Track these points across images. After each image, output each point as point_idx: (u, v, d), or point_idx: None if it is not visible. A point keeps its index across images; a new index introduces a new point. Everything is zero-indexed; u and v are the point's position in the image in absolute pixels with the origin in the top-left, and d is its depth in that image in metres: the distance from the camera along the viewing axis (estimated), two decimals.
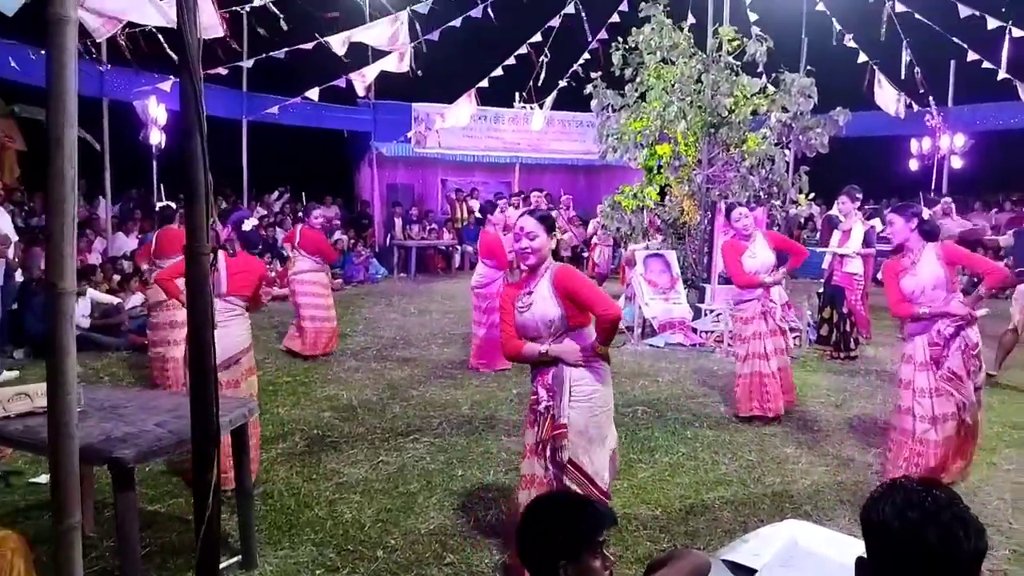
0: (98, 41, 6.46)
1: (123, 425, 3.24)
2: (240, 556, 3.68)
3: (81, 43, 7.54)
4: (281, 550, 3.82)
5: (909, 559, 1.32)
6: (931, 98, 11.83)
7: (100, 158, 10.99)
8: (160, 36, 7.12)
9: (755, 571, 2.13)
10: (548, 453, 3.30)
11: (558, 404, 3.26)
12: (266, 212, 14.32)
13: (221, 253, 4.65)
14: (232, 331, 4.52)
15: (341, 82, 10.05)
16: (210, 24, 5.37)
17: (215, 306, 4.41)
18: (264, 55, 9.08)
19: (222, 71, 9.46)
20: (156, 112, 11.07)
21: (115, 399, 3.70)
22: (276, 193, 15.23)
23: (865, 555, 1.40)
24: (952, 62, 13.29)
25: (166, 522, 4.12)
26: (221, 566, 3.59)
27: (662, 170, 9.17)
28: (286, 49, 8.66)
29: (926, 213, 4.58)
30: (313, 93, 10.35)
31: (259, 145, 13.57)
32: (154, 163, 11.92)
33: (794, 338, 8.59)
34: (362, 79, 9.84)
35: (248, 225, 4.77)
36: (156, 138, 11.30)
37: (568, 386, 3.26)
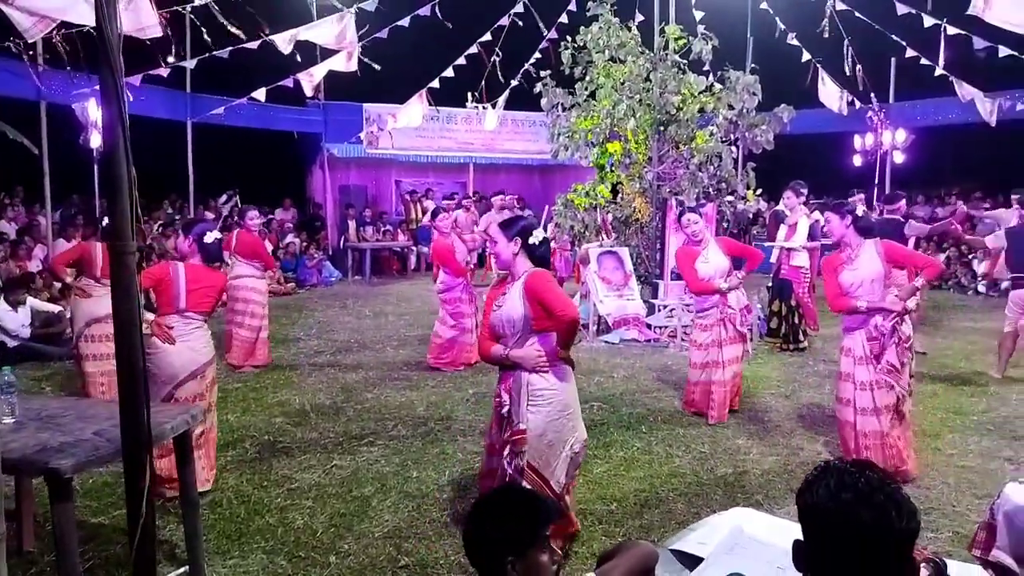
0: (31, 42, 6.22)
1: (60, 435, 3.12)
2: (187, 567, 3.58)
3: (14, 44, 7.26)
4: (230, 559, 3.73)
5: (843, 540, 1.33)
6: (873, 95, 12.11)
7: (39, 163, 10.62)
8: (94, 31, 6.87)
9: (702, 559, 2.15)
10: (507, 455, 3.36)
11: (516, 409, 3.39)
12: (213, 216, 14.02)
13: (181, 265, 4.52)
14: (195, 344, 4.42)
15: (288, 82, 9.85)
16: (149, 24, 5.21)
17: (174, 320, 4.36)
18: (207, 55, 8.85)
19: (163, 72, 9.20)
20: (96, 115, 10.73)
21: (52, 409, 3.56)
22: (224, 196, 14.91)
23: (802, 538, 1.42)
24: (892, 59, 13.67)
25: (110, 534, 4.00)
26: None
27: (614, 168, 9.23)
28: (230, 48, 8.45)
29: (860, 210, 4.72)
30: (260, 94, 10.12)
31: (205, 147, 13.27)
32: (95, 167, 11.57)
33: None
34: (310, 79, 9.66)
35: (210, 238, 4.59)
36: (96, 141, 10.94)
37: (526, 391, 3.39)
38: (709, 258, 5.87)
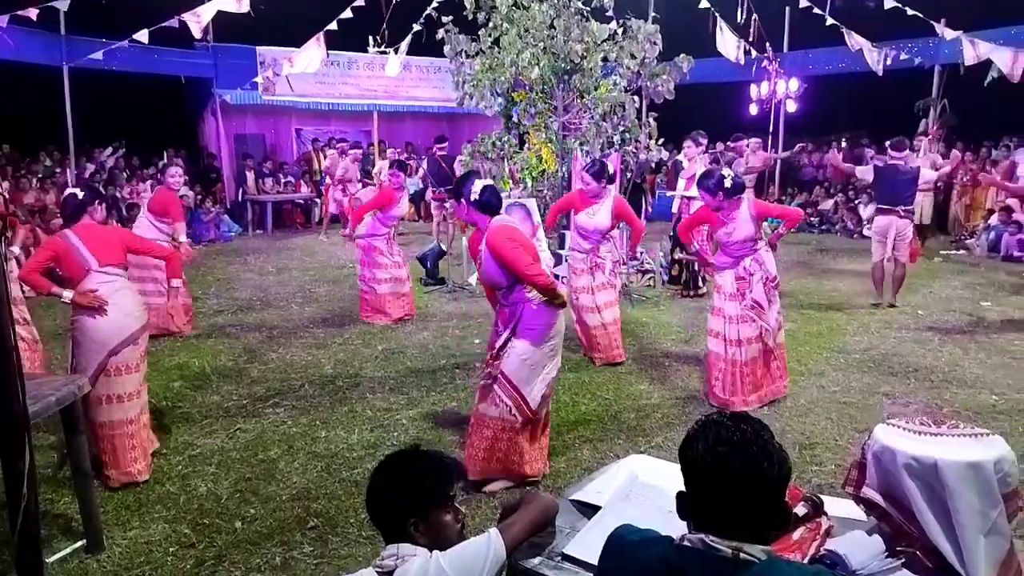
0: None
1: None
2: (84, 540, 3.47)
3: None
4: (131, 530, 3.63)
5: (720, 489, 1.43)
6: (768, 44, 12.44)
7: None
8: None
9: (599, 507, 2.23)
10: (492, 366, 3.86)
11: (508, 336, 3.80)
12: (95, 168, 13.16)
13: (69, 232, 4.12)
14: (124, 306, 4.04)
15: (173, 23, 9.23)
16: None
17: (94, 281, 4.04)
18: None
19: (32, 14, 8.46)
20: None
21: None
22: (109, 148, 13.99)
23: (684, 488, 1.50)
24: (787, 9, 14.03)
25: None
26: (62, 553, 3.40)
27: (520, 118, 9.16)
28: None
29: (726, 172, 5.09)
30: (142, 35, 9.47)
31: (84, 94, 12.31)
32: None
33: (648, 279, 9.02)
34: (197, 19, 9.09)
35: (68, 192, 4.25)
36: None
37: (516, 324, 3.79)
38: (596, 212, 6.02)
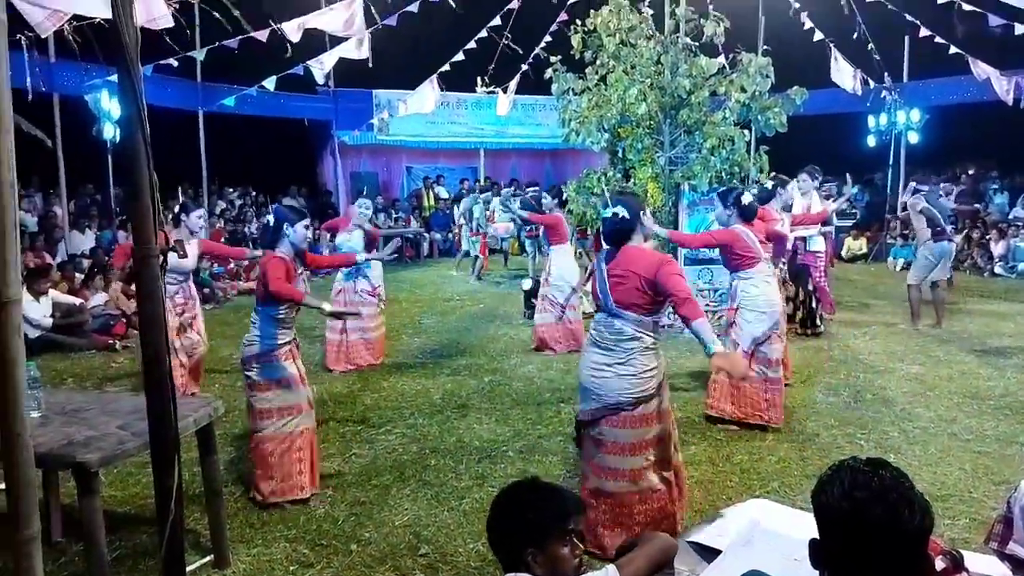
0: (44, 36, 6.25)
1: (85, 429, 3.18)
2: (212, 556, 3.65)
3: (25, 36, 7.30)
4: (254, 548, 3.79)
5: (858, 538, 1.36)
6: (886, 74, 11.98)
7: (53, 155, 10.73)
8: (108, 27, 6.89)
9: (719, 551, 2.18)
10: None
11: None
12: (225, 205, 14.10)
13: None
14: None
15: (299, 70, 9.85)
16: (160, 14, 5.24)
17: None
18: (217, 44, 8.87)
19: (173, 62, 9.23)
20: (109, 105, 10.82)
21: (76, 402, 3.63)
22: (237, 191, 15.02)
23: (818, 536, 1.44)
24: (906, 38, 13.49)
25: (136, 523, 4.07)
26: (193, 567, 3.59)
27: (626, 153, 9.17)
28: (239, 38, 8.45)
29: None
30: (270, 82, 10.16)
31: (217, 136, 13.31)
32: (109, 158, 11.69)
33: None
34: (320, 67, 9.66)
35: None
36: (110, 132, 11.06)
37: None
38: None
